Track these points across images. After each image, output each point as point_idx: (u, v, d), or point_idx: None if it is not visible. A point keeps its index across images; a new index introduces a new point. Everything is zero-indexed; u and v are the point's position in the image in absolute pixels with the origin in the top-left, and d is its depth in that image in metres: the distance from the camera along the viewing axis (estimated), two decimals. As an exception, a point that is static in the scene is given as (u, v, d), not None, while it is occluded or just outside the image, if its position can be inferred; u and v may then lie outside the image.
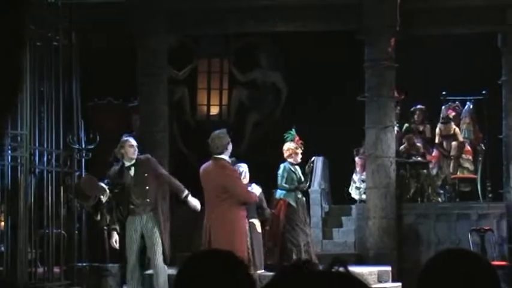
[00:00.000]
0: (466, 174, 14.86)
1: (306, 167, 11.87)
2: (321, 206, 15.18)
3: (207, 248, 9.01)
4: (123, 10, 14.02)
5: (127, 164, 10.45)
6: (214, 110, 18.31)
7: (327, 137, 15.59)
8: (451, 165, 14.92)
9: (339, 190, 15.56)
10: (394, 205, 13.84)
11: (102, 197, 11.50)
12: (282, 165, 11.97)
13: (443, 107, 15.17)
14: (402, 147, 14.89)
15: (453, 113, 15.14)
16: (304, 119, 16.35)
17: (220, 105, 18.28)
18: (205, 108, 18.28)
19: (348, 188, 15.17)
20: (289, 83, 17.57)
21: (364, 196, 14.58)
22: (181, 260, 2.42)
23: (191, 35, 16.33)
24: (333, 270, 1.94)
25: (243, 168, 11.07)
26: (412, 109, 15.40)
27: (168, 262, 10.16)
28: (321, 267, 2.00)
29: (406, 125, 15.30)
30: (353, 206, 15.03)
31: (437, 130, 15.11)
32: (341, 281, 1.92)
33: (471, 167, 14.89)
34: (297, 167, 11.80)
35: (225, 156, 9.40)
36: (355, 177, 15.08)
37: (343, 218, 15.20)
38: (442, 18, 14.08)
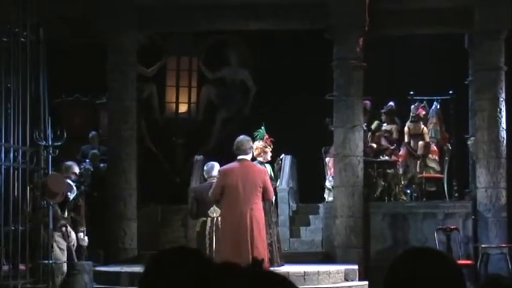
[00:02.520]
0: (433, 174, 14.96)
1: (275, 164, 11.80)
2: (289, 204, 15.20)
3: (248, 237, 9.37)
4: (92, 6, 13.94)
5: None
6: (183, 108, 18.27)
7: (295, 135, 15.62)
8: (418, 164, 15.01)
9: (306, 189, 15.59)
10: (362, 204, 13.90)
11: (69, 194, 11.44)
12: None
13: (412, 106, 15.25)
14: (369, 146, 14.95)
15: (423, 112, 15.24)
16: (272, 117, 16.37)
17: (189, 102, 18.24)
18: (174, 105, 18.23)
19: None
20: (258, 81, 17.57)
21: (330, 198, 14.66)
22: (147, 258, 2.42)
23: (160, 33, 16.28)
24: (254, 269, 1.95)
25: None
26: (383, 109, 15.47)
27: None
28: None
29: (377, 122, 15.33)
30: (320, 205, 15.08)
31: (405, 129, 15.19)
32: (267, 280, 1.93)
33: (437, 167, 15.00)
34: (267, 165, 11.76)
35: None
36: (328, 178, 15.08)
37: (311, 217, 15.25)
38: (410, 18, 14.17)
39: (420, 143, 15.01)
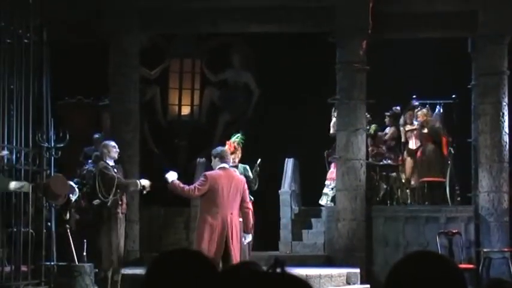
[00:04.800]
0: (435, 178, 14.93)
1: (253, 170, 11.90)
2: (291, 207, 15.20)
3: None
4: (95, 8, 13.96)
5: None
6: (186, 110, 18.27)
7: (298, 138, 15.63)
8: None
9: (309, 192, 15.59)
10: (364, 207, 13.90)
11: (71, 195, 11.45)
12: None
13: (416, 110, 15.23)
14: (370, 149, 14.94)
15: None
16: (275, 120, 16.39)
17: (192, 105, 18.25)
18: (176, 108, 18.23)
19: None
20: (261, 83, 17.58)
21: (327, 202, 14.66)
22: (149, 260, 2.42)
23: (163, 35, 16.30)
24: (275, 271, 1.95)
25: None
26: (388, 112, 15.45)
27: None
28: (264, 268, 2.02)
29: (374, 125, 15.30)
30: (323, 208, 15.07)
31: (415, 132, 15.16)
32: (284, 282, 1.94)
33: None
34: (240, 165, 11.81)
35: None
36: (327, 182, 15.09)
37: (313, 220, 15.24)
38: (414, 22, 14.17)
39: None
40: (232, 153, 11.80)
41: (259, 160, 11.87)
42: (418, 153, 14.91)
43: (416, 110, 15.19)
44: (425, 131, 14.89)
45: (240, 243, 10.26)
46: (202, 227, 10.17)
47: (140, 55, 14.56)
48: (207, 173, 10.41)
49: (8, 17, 10.44)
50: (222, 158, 10.31)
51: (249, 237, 10.45)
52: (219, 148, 10.60)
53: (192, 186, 10.28)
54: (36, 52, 11.08)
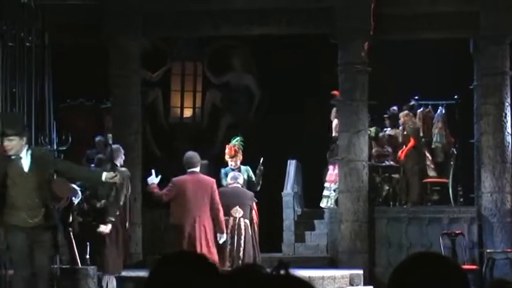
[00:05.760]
0: (438, 178, 14.91)
1: (257, 170, 12.00)
2: (294, 209, 15.19)
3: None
4: (96, 11, 13.97)
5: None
6: (188, 113, 18.27)
7: (300, 140, 15.63)
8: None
9: (311, 193, 15.59)
10: (367, 209, 13.89)
11: (74, 198, 11.45)
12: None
13: (418, 111, 15.23)
14: (374, 150, 14.94)
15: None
16: (277, 122, 16.39)
17: (194, 107, 18.25)
18: (178, 110, 18.24)
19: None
20: (263, 86, 17.58)
21: (329, 204, 14.66)
22: (152, 263, 2.42)
23: (165, 38, 16.30)
24: (279, 273, 1.96)
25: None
26: (386, 114, 15.45)
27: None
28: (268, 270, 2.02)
29: (375, 128, 15.27)
30: (325, 210, 15.06)
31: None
32: (288, 284, 1.94)
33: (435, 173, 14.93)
34: (243, 168, 11.92)
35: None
36: (326, 185, 15.09)
37: (316, 221, 15.23)
38: (415, 23, 14.16)
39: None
40: (233, 156, 11.89)
41: (262, 159, 11.91)
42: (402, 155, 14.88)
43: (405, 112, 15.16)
44: (405, 132, 14.91)
45: (216, 243, 10.59)
46: (171, 230, 10.76)
47: (142, 58, 14.56)
48: (174, 178, 10.79)
49: (10, 21, 10.45)
50: (188, 164, 10.74)
51: (224, 237, 10.74)
52: (186, 155, 10.98)
53: (161, 192, 10.69)
54: (38, 55, 11.09)
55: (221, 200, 11.13)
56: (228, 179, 11.60)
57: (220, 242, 10.73)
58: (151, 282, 2.34)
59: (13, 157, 9.12)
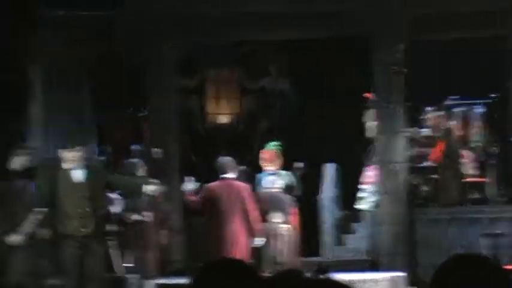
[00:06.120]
0: (477, 178, 14.79)
1: (296, 173, 11.98)
2: (333, 212, 15.16)
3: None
4: (132, 22, 14.05)
5: None
6: (224, 119, 18.33)
7: (338, 143, 15.60)
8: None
9: (350, 196, 15.54)
10: (406, 210, 13.82)
11: (111, 207, 11.54)
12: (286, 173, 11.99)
13: (455, 110, 15.11)
14: (412, 151, 14.84)
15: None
16: (313, 126, 16.37)
17: (230, 113, 18.30)
18: (215, 117, 18.30)
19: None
20: (299, 90, 17.57)
21: (364, 206, 14.60)
22: (194, 270, 2.44)
23: (200, 44, 16.36)
24: (319, 277, 1.97)
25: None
26: (423, 114, 15.35)
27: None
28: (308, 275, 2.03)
29: (414, 128, 15.16)
30: (365, 212, 15.00)
31: None
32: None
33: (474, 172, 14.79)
34: (283, 173, 11.90)
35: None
36: (362, 187, 15.02)
37: (355, 225, 15.17)
38: (451, 22, 14.07)
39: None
40: (271, 161, 11.85)
41: (300, 163, 11.91)
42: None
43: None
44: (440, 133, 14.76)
45: (254, 249, 10.66)
46: (206, 237, 10.87)
47: (177, 66, 14.63)
48: (207, 185, 10.85)
49: (52, 34, 10.58)
50: (221, 170, 10.77)
51: (260, 241, 10.74)
52: (218, 160, 11.03)
53: (195, 199, 10.76)
54: (74, 68, 11.22)
55: (259, 205, 11.14)
56: (265, 183, 11.59)
57: (257, 245, 10.73)
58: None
59: (65, 167, 9.32)
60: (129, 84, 15.09)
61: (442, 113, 14.95)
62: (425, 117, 15.26)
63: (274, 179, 11.53)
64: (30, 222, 9.46)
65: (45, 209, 9.37)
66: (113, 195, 11.65)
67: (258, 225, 10.70)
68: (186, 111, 17.17)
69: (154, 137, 14.26)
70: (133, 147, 15.52)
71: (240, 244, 10.53)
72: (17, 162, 9.68)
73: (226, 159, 11.07)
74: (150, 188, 9.89)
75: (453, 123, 14.88)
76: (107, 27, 13.86)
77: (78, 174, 9.36)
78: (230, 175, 10.81)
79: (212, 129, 18.12)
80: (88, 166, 9.54)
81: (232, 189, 10.65)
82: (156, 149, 12.84)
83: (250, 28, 14.33)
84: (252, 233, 10.61)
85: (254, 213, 10.69)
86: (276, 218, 11.15)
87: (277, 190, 11.41)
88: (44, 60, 10.56)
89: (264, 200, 11.24)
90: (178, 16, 14.16)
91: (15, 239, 9.46)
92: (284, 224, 11.16)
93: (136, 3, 13.99)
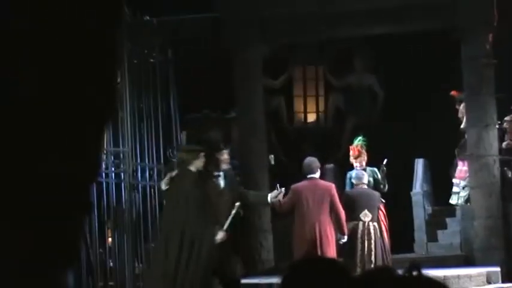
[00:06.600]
0: None
1: (380, 170, 11.93)
2: (424, 208, 14.97)
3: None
4: (216, 23, 14.16)
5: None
6: (312, 117, 18.30)
7: (427, 137, 15.40)
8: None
9: (441, 191, 15.32)
10: (500, 204, 13.55)
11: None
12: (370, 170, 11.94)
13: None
14: (504, 144, 14.55)
15: None
16: (403, 121, 16.19)
17: (317, 111, 18.26)
18: (302, 115, 18.29)
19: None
20: (386, 85, 17.41)
21: (460, 201, 14.36)
22: (284, 269, 2.43)
23: (285, 43, 16.37)
24: (411, 274, 1.93)
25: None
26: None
27: None
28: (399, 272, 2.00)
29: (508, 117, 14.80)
30: (457, 207, 14.78)
31: None
32: (421, 285, 1.91)
33: None
34: (368, 169, 11.86)
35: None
36: (455, 181, 14.79)
37: (448, 220, 14.95)
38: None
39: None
40: (357, 157, 11.84)
41: (385, 160, 11.84)
42: None
43: None
44: None
45: (345, 249, 10.78)
46: (294, 239, 10.94)
47: (263, 65, 14.67)
48: (293, 186, 10.96)
49: (134, 38, 10.73)
50: (306, 170, 10.93)
51: (344, 238, 10.82)
52: (304, 161, 11.15)
53: (282, 201, 10.83)
54: (162, 71, 11.35)
55: (348, 203, 11.11)
56: (353, 179, 11.56)
57: (341, 242, 10.78)
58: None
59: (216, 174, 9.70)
60: (217, 85, 15.19)
61: None
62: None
63: (362, 174, 11.47)
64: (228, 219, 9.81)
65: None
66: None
67: (344, 224, 10.74)
68: (273, 111, 17.21)
69: (243, 137, 14.32)
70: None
71: (328, 243, 10.58)
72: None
73: (311, 160, 11.14)
74: (273, 195, 10.40)
75: None
76: (202, 29, 14.01)
77: (221, 182, 9.94)
78: (315, 175, 10.87)
79: (300, 128, 18.12)
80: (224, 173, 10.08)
81: (318, 189, 10.72)
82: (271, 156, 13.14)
83: (340, 26, 14.25)
84: (339, 232, 10.67)
85: (340, 212, 10.73)
86: (366, 217, 11.07)
87: (364, 186, 11.36)
88: (131, 64, 10.70)
89: (353, 197, 11.20)
90: (265, 17, 14.18)
91: (220, 236, 9.65)
92: (373, 222, 11.09)
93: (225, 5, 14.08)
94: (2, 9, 0.96)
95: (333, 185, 10.94)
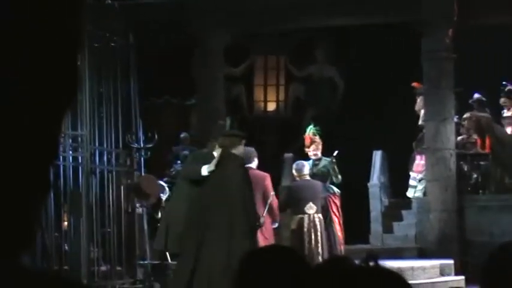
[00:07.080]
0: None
1: (331, 160, 11.76)
2: (380, 199, 15.08)
3: None
4: (179, 9, 14.10)
5: None
6: (272, 106, 18.33)
7: (385, 130, 15.49)
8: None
9: (398, 184, 15.45)
10: (456, 198, 13.69)
11: (162, 195, 11.61)
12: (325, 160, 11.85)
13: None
14: (460, 138, 14.69)
15: None
16: (361, 113, 16.29)
17: (278, 101, 18.29)
18: (262, 104, 18.31)
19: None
20: (346, 77, 17.49)
21: (417, 194, 14.47)
22: (241, 258, 2.43)
23: (247, 32, 16.35)
24: (368, 264, 1.94)
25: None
26: (470, 101, 15.16)
27: None
28: (356, 262, 2.01)
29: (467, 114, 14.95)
30: (413, 200, 14.91)
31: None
32: (378, 275, 1.92)
33: None
34: (324, 159, 11.81)
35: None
36: (412, 174, 14.90)
37: (403, 212, 15.07)
38: (501, 6, 13.86)
39: None
40: (309, 145, 11.77)
41: (336, 152, 11.75)
42: None
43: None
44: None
45: (271, 233, 10.53)
46: None
47: (224, 53, 14.64)
48: None
49: (95, 21, 10.64)
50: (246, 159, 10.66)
51: (276, 224, 10.66)
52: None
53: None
54: (123, 55, 11.26)
55: (293, 195, 11.07)
56: (294, 171, 11.45)
57: (274, 226, 10.67)
58: (241, 277, 2.35)
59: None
60: (178, 71, 15.14)
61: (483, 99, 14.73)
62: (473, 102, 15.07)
63: (303, 165, 11.33)
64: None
65: None
66: (162, 182, 11.71)
67: (276, 212, 10.63)
68: (233, 100, 17.21)
69: (202, 125, 14.30)
70: (182, 134, 15.60)
71: (266, 230, 10.50)
72: None
73: (248, 150, 10.97)
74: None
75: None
76: (164, 14, 13.92)
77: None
78: (252, 164, 10.70)
79: (259, 116, 18.13)
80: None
81: (254, 178, 10.62)
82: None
83: (302, 16, 14.26)
84: (273, 217, 10.43)
85: (272, 201, 10.63)
86: (310, 208, 10.98)
87: (306, 177, 11.22)
88: (92, 47, 10.61)
89: (297, 189, 11.12)
90: (229, 6, 14.15)
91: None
92: (318, 213, 11.01)
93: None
94: (2, 9, 0.94)
95: (267, 175, 10.66)
